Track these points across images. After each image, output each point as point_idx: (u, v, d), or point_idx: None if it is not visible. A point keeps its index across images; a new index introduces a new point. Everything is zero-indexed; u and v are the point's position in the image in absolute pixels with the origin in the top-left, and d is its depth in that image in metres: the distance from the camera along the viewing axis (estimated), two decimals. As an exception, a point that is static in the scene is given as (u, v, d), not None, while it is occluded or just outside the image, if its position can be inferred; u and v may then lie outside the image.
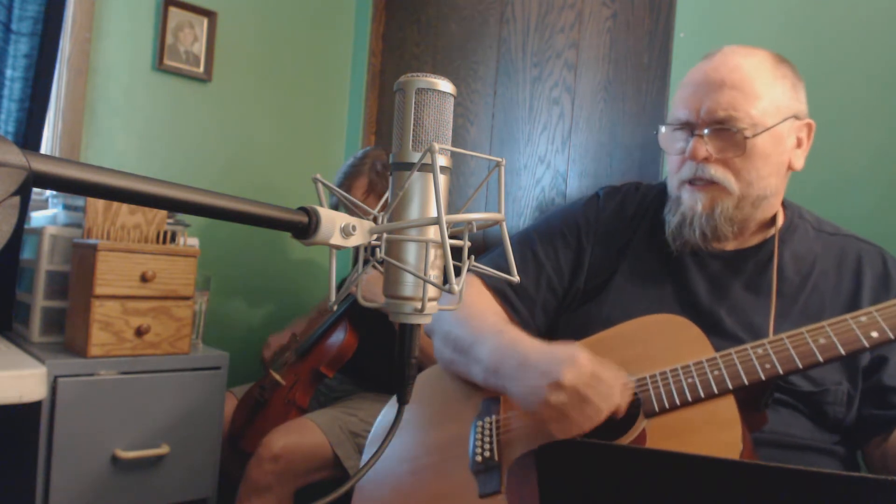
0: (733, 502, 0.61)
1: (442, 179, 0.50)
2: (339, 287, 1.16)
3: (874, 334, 0.79)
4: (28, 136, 1.75)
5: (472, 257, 0.53)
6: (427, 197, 0.51)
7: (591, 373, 0.83)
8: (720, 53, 1.00)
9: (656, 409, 0.85)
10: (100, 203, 1.54)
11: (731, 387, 0.82)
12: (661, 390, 0.86)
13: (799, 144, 1.00)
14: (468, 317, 1.04)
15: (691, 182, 0.99)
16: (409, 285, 0.51)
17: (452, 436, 0.99)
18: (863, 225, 1.06)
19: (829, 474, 0.59)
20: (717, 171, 0.96)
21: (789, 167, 1.00)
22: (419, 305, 0.51)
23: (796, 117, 0.99)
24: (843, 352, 0.79)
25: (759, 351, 0.83)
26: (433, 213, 0.51)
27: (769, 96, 0.95)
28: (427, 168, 0.50)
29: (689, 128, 0.98)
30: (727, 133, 0.95)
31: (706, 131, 0.96)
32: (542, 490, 0.72)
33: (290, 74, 2.35)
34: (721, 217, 0.97)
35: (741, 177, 0.96)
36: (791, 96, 0.98)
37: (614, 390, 0.83)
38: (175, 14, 2.05)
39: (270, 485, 1.55)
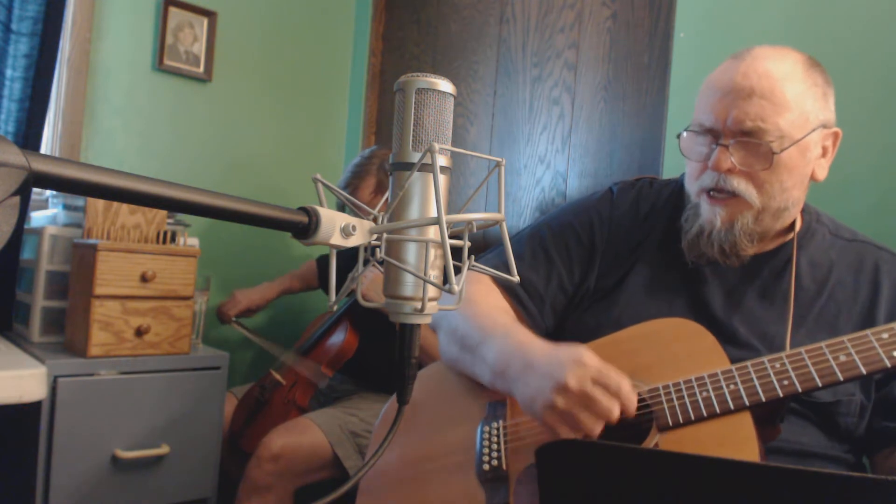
0: (734, 502, 0.61)
1: (442, 179, 0.50)
2: (338, 287, 1.16)
3: None
4: (28, 136, 1.75)
5: (472, 257, 0.53)
6: (427, 197, 0.51)
7: (596, 372, 0.80)
8: (750, 56, 0.93)
9: (670, 423, 0.82)
10: (100, 203, 1.54)
11: (747, 403, 0.80)
12: (676, 403, 0.83)
13: (824, 154, 0.96)
14: (476, 314, 1.01)
15: (711, 193, 0.95)
16: (409, 285, 0.51)
17: (458, 439, 0.97)
18: (863, 225, 1.05)
19: (830, 474, 0.59)
20: (739, 184, 0.92)
21: (812, 177, 0.96)
22: (419, 305, 0.51)
23: (824, 126, 0.95)
24: (864, 371, 0.76)
25: (777, 366, 0.81)
26: (433, 213, 0.51)
27: (799, 107, 0.90)
28: (427, 168, 0.50)
29: (713, 135, 0.94)
30: (753, 145, 0.90)
31: (731, 142, 0.91)
32: (541, 489, 0.72)
33: (290, 74, 2.35)
34: (740, 232, 0.93)
35: (764, 189, 0.92)
36: (821, 105, 0.94)
37: (622, 388, 0.80)
38: (175, 14, 2.05)
39: (270, 485, 1.55)
